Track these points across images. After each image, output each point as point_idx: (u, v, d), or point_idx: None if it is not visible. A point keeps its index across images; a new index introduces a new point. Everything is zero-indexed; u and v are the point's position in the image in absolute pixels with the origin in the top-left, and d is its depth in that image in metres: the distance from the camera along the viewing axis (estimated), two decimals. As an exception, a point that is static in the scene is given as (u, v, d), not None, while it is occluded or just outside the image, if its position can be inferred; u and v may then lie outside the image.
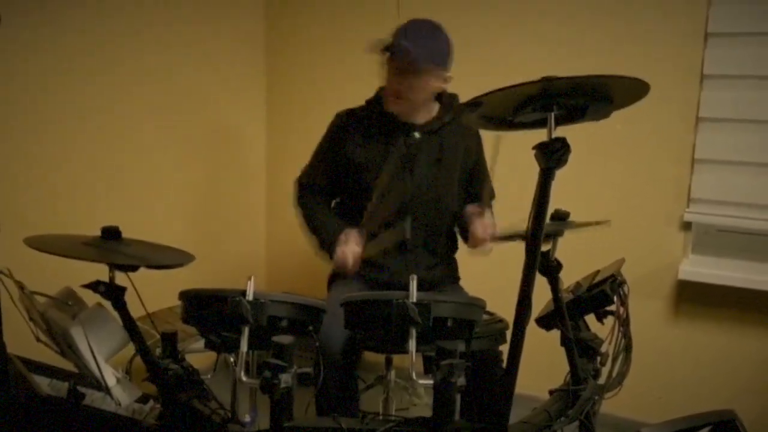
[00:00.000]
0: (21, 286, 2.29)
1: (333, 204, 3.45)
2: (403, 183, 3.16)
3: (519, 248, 2.11)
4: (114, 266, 2.19)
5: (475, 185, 3.37)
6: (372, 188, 3.11)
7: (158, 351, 2.35)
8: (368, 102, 3.31)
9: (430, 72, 3.08)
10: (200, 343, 2.32)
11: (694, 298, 3.83)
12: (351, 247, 3.05)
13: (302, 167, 3.45)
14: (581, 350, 2.74)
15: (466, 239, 3.32)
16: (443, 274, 3.36)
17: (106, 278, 2.20)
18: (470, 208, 3.18)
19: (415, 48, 3.00)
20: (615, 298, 2.76)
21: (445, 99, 3.27)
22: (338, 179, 3.31)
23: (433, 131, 3.22)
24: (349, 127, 3.27)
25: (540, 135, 1.99)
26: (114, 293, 2.19)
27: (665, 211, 3.81)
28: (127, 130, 3.84)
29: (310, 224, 3.31)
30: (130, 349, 2.32)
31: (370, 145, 3.20)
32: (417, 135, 3.20)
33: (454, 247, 3.45)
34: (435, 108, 3.27)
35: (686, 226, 3.82)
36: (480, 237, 3.09)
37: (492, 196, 3.27)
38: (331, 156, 3.30)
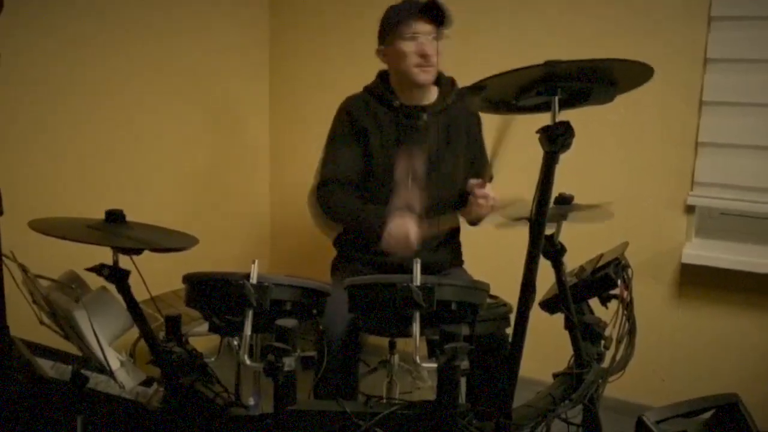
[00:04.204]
0: (25, 270, 2.29)
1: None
2: (414, 165, 3.14)
3: (523, 232, 2.11)
4: (118, 249, 2.20)
5: (476, 166, 3.38)
6: (386, 169, 3.12)
7: (162, 334, 2.36)
8: (370, 89, 3.30)
9: (443, 29, 3.11)
10: (204, 327, 2.32)
11: (697, 282, 3.83)
12: (408, 221, 2.93)
13: (318, 170, 3.30)
14: (585, 334, 2.74)
15: (466, 218, 3.32)
16: (448, 256, 3.37)
17: (109, 261, 2.20)
18: (472, 182, 3.15)
19: (426, 9, 3.06)
20: (619, 282, 2.76)
21: (443, 81, 3.28)
22: (363, 165, 3.22)
23: (439, 112, 3.22)
24: (359, 109, 3.25)
25: (544, 119, 1.99)
26: (118, 276, 2.20)
27: (669, 194, 3.81)
28: (132, 115, 3.84)
29: (354, 216, 3.15)
30: (134, 332, 2.33)
31: (381, 130, 3.20)
32: (425, 117, 3.20)
33: (458, 229, 3.45)
34: (435, 91, 3.27)
35: (690, 209, 3.81)
36: (479, 194, 3.06)
37: (490, 179, 3.28)
38: (353, 140, 3.23)
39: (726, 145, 3.70)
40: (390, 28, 3.13)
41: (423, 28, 3.07)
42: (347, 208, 3.16)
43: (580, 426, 2.69)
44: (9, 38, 3.16)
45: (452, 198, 3.29)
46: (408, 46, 3.08)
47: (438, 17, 3.07)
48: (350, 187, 3.21)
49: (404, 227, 2.90)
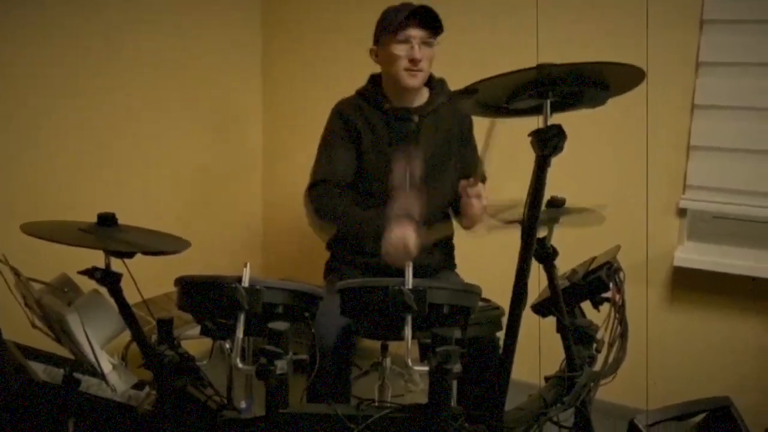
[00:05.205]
0: (17, 273, 2.29)
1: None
2: (412, 168, 3.17)
3: (515, 235, 2.11)
4: (110, 253, 2.19)
5: (468, 166, 3.38)
6: (378, 171, 3.15)
7: (154, 337, 2.35)
8: (361, 92, 3.32)
9: (434, 39, 3.15)
10: (196, 330, 2.32)
11: (689, 285, 3.84)
12: (407, 230, 2.92)
13: (312, 170, 3.30)
14: (577, 337, 2.74)
15: (460, 222, 3.33)
16: (440, 258, 3.37)
17: (102, 265, 2.20)
18: (463, 182, 3.16)
19: (419, 15, 3.09)
20: (611, 285, 2.76)
21: (435, 82, 3.29)
22: (356, 166, 3.24)
23: (430, 114, 3.23)
24: (352, 111, 3.27)
25: (537, 121, 1.99)
26: (110, 280, 2.19)
27: (661, 197, 3.81)
28: (123, 117, 3.84)
29: (348, 220, 3.13)
30: (126, 335, 2.33)
31: (373, 133, 3.21)
32: (416, 118, 3.21)
33: (452, 233, 3.45)
34: (425, 92, 3.29)
35: (682, 212, 3.82)
36: (474, 197, 3.07)
37: (483, 179, 3.28)
38: (347, 141, 3.24)
39: (718, 149, 3.71)
40: (383, 30, 3.14)
41: (415, 32, 3.09)
42: (340, 210, 3.14)
43: (572, 429, 2.69)
44: (2, 40, 3.16)
45: (445, 199, 3.30)
46: (399, 50, 3.10)
47: (430, 23, 3.10)
48: (343, 189, 3.23)
49: (404, 237, 2.90)
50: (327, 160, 3.27)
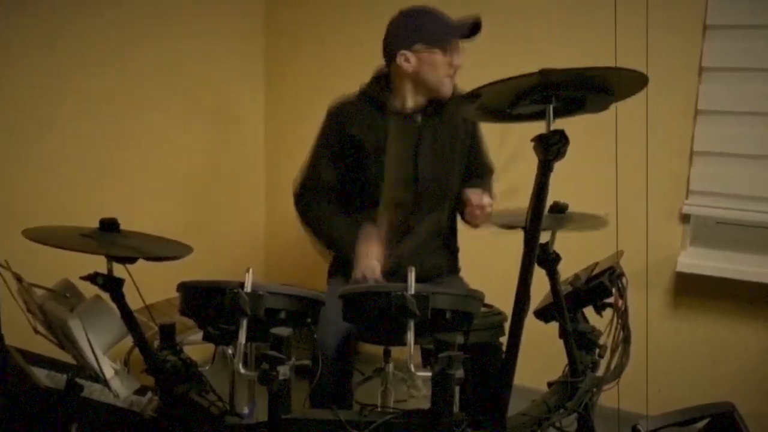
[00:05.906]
0: (19, 278, 2.29)
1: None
2: (409, 166, 3.18)
3: (518, 240, 2.11)
4: (112, 258, 2.19)
5: (474, 163, 3.38)
6: (381, 174, 3.14)
7: (156, 343, 2.35)
8: (365, 91, 3.30)
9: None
10: (198, 335, 2.31)
11: (692, 291, 3.83)
12: (371, 262, 2.98)
13: (299, 173, 3.35)
14: (580, 342, 2.74)
15: (464, 218, 3.32)
16: (444, 261, 3.36)
17: (104, 270, 2.20)
18: (468, 192, 3.16)
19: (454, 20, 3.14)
20: (614, 290, 2.76)
21: None
22: (345, 171, 3.24)
23: (433, 113, 3.22)
24: (349, 115, 3.24)
25: (540, 127, 1.99)
26: (112, 285, 2.19)
27: (664, 203, 3.81)
28: (125, 123, 3.84)
29: (325, 234, 3.25)
30: (129, 341, 2.32)
31: (374, 134, 3.18)
32: (419, 118, 3.20)
33: (456, 234, 3.46)
34: None
35: (685, 218, 3.82)
36: (477, 202, 3.08)
37: (491, 171, 3.29)
38: (336, 147, 3.23)
39: (721, 154, 3.71)
40: (431, 38, 3.11)
41: (460, 43, 3.14)
42: (321, 221, 3.25)
43: (574, 435, 2.69)
44: (4, 46, 3.16)
45: (447, 200, 3.29)
46: (447, 60, 3.12)
47: (476, 34, 3.15)
48: (327, 197, 3.27)
49: (370, 269, 2.96)
50: (314, 167, 3.30)
